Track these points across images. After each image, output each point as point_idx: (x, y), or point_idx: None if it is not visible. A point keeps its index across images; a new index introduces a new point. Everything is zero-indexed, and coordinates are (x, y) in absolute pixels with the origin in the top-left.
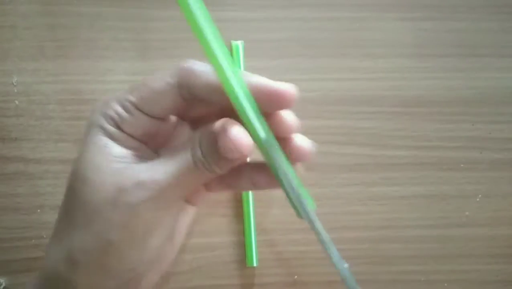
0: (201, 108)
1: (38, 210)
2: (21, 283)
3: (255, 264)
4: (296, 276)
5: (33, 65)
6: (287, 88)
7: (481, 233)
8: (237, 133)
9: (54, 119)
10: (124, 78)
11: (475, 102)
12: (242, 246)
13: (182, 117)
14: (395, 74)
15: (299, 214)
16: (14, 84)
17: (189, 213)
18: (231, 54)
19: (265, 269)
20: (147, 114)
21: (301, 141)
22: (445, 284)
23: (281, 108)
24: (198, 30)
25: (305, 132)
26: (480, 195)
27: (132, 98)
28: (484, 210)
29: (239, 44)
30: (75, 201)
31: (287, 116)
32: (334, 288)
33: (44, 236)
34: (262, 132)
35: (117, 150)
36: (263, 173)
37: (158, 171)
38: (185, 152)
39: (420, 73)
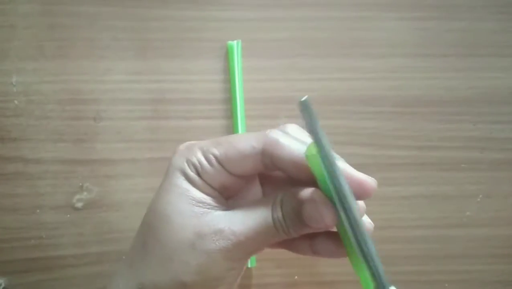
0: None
1: (38, 211)
2: (20, 284)
3: (249, 265)
4: (296, 277)
5: (32, 65)
6: (370, 181)
7: (482, 233)
8: (326, 205)
9: (54, 119)
10: (124, 77)
11: (476, 102)
12: None
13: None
14: (395, 74)
15: None
16: (14, 84)
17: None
18: (228, 54)
19: (265, 269)
20: (227, 171)
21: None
22: (446, 285)
23: (361, 198)
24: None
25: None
26: (481, 195)
27: (216, 153)
28: (485, 210)
29: (234, 44)
30: (154, 238)
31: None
32: (335, 288)
33: (44, 236)
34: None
35: (197, 195)
36: (325, 242)
37: (237, 222)
38: (264, 209)
39: (421, 73)
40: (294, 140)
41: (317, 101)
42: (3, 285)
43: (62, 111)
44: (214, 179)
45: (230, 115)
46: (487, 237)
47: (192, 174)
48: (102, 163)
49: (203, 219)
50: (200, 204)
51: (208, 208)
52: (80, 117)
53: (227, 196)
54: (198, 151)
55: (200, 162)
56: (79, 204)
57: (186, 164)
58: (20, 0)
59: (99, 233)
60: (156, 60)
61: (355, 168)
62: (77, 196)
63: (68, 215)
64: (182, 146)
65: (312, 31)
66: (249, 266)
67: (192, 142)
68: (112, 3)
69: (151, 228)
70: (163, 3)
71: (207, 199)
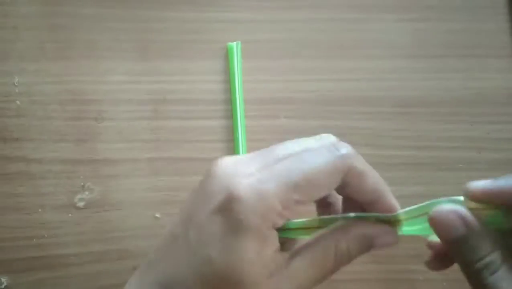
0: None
1: (40, 210)
2: (23, 283)
3: None
4: None
5: (34, 66)
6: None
7: None
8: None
9: (55, 119)
10: (125, 78)
11: (473, 103)
12: None
13: None
14: (393, 75)
15: None
16: (16, 84)
17: None
18: (228, 55)
19: None
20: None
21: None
22: (444, 283)
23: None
24: None
25: (305, 132)
26: None
27: (297, 198)
28: None
29: (234, 45)
30: None
31: None
32: (335, 287)
33: (46, 235)
34: None
35: (269, 257)
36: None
37: (302, 280)
38: (325, 257)
39: (419, 74)
40: (367, 166)
41: (316, 101)
42: (5, 283)
43: (64, 112)
44: (286, 219)
45: (230, 115)
46: None
47: (268, 232)
48: (103, 163)
49: (274, 284)
50: (271, 271)
51: (277, 269)
52: (81, 118)
53: None
54: (277, 203)
55: (280, 214)
56: (81, 204)
57: (264, 224)
58: (22, 1)
59: (101, 232)
60: (157, 61)
61: None
62: (79, 196)
63: (70, 214)
64: (246, 192)
65: (311, 32)
66: None
67: (259, 184)
68: (113, 4)
69: None
70: (164, 5)
71: (274, 257)
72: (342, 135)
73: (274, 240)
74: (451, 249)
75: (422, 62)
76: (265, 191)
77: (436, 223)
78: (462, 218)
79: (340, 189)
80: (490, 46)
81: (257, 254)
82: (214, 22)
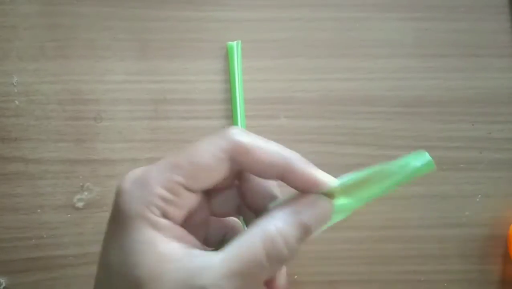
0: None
1: (38, 210)
2: (21, 283)
3: None
4: (296, 276)
5: (33, 65)
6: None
7: (480, 233)
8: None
9: (54, 119)
10: (124, 78)
11: (475, 102)
12: None
13: None
14: (395, 74)
15: None
16: (14, 84)
17: None
18: (228, 55)
19: None
20: (193, 191)
21: None
22: (445, 284)
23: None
24: None
25: (305, 132)
26: (479, 195)
27: (179, 179)
28: (483, 210)
29: (234, 44)
30: None
31: None
32: (335, 287)
33: (44, 236)
34: None
35: (165, 246)
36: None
37: (216, 272)
38: (255, 243)
39: (420, 73)
40: (259, 140)
41: (317, 101)
42: (3, 284)
43: (63, 111)
44: (180, 208)
45: (230, 115)
46: (486, 237)
47: (155, 218)
48: (102, 163)
49: (179, 278)
50: (171, 256)
51: (179, 258)
52: (80, 117)
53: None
54: (157, 186)
55: (164, 199)
56: (80, 204)
57: (146, 209)
58: (21, 0)
59: (100, 232)
60: (156, 60)
61: (355, 168)
62: (78, 196)
63: (69, 215)
64: (128, 183)
65: (312, 31)
66: None
67: (139, 172)
68: (112, 3)
69: None
70: (163, 4)
71: (176, 247)
72: (343, 135)
73: (175, 232)
74: None
75: (423, 62)
76: (145, 178)
77: None
78: None
79: (237, 173)
80: (492, 46)
81: (148, 244)
82: (214, 21)
